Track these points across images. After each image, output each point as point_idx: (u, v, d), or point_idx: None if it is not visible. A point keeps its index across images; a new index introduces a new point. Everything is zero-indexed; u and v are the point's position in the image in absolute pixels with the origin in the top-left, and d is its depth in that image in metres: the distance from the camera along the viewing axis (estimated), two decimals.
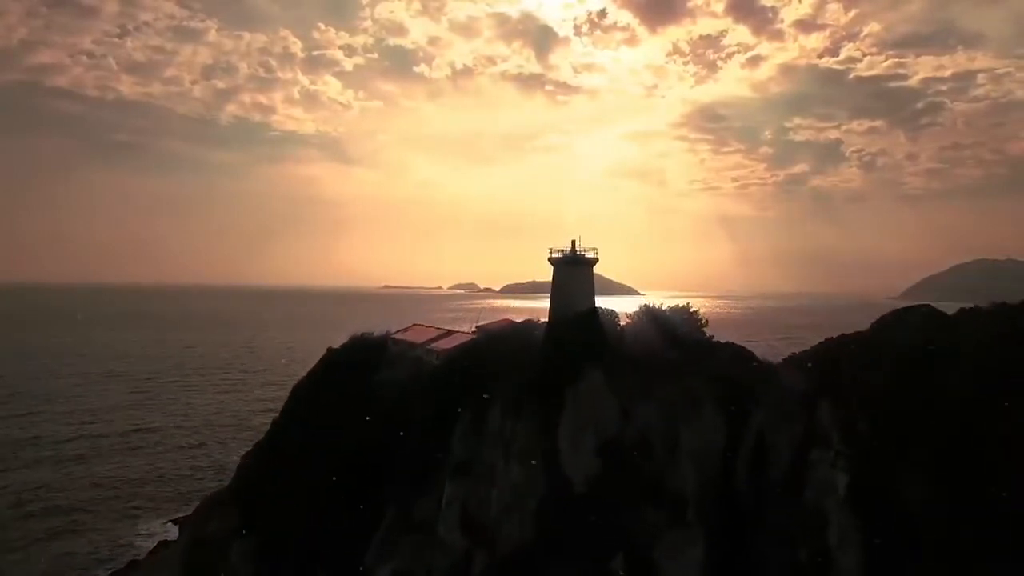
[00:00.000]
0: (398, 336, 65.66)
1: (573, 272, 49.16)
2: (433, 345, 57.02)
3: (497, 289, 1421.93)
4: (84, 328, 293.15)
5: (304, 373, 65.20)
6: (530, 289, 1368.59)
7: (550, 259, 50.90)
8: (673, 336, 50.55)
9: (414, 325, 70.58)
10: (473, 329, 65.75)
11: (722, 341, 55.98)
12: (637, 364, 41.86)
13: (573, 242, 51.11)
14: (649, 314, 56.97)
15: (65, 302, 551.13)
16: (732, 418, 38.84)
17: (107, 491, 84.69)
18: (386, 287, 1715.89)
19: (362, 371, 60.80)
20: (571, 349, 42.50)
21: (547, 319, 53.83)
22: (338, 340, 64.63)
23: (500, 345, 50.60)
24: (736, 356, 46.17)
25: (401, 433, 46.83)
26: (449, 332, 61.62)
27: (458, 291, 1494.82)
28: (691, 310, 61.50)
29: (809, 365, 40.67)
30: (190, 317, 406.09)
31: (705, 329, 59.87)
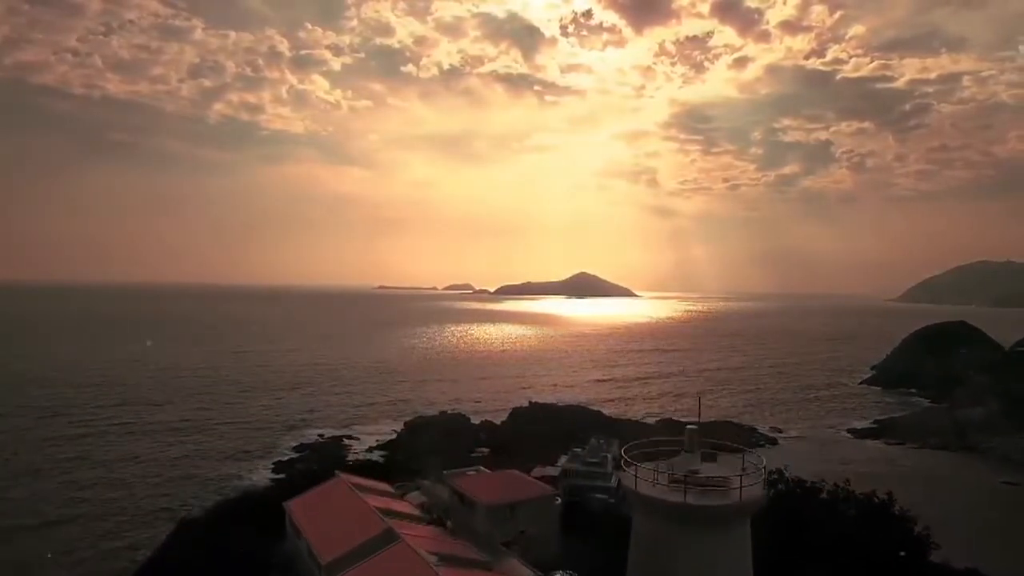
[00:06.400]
0: (300, 514, 37.59)
1: (705, 548, 17.88)
2: None
3: (492, 291, 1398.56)
4: (45, 338, 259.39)
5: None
6: (525, 291, 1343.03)
7: (626, 489, 22.01)
8: None
9: (339, 477, 42.27)
10: (433, 508, 38.26)
11: None
12: None
13: (691, 432, 22.41)
14: None
15: (49, 303, 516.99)
16: None
17: None
18: (381, 287, 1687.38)
19: None
20: None
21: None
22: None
23: None
24: None
25: None
26: (385, 526, 33.47)
27: (453, 292, 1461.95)
28: None
29: None
30: (166, 321, 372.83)
31: None
